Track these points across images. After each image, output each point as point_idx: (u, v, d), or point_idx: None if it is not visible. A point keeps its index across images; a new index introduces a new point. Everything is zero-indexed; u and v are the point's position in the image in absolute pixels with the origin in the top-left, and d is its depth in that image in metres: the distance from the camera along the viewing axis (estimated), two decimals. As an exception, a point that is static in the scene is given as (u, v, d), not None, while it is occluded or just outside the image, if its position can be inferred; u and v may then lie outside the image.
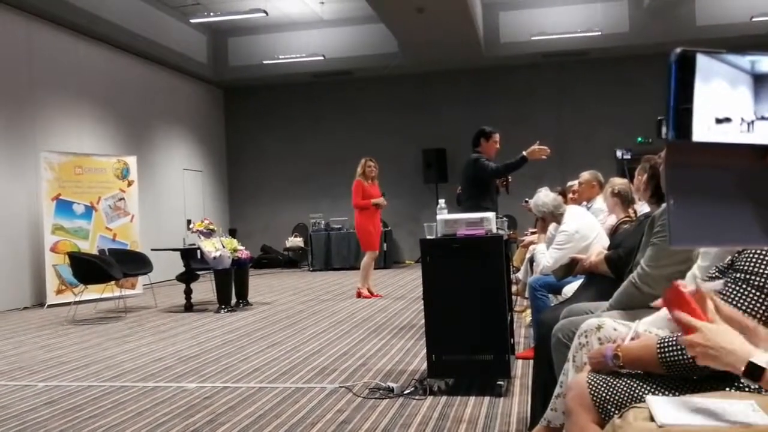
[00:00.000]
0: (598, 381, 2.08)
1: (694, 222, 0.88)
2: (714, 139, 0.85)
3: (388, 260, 15.29)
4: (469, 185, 6.54)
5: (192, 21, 14.51)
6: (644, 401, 1.86)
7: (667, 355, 1.98)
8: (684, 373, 1.97)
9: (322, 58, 15.58)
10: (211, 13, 14.27)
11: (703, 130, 0.85)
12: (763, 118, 0.87)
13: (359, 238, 10.04)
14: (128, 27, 12.80)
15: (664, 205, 2.98)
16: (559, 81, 16.01)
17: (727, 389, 1.92)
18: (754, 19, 13.53)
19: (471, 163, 6.52)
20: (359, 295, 9.88)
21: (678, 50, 0.85)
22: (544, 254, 5.38)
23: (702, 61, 0.85)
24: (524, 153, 6.42)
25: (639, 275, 2.96)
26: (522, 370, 4.97)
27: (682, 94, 0.85)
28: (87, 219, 11.05)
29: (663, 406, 1.77)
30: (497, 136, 6.64)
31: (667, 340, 2.01)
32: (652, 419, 1.72)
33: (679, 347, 1.96)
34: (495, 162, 6.59)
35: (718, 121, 0.86)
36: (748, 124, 0.86)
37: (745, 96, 0.86)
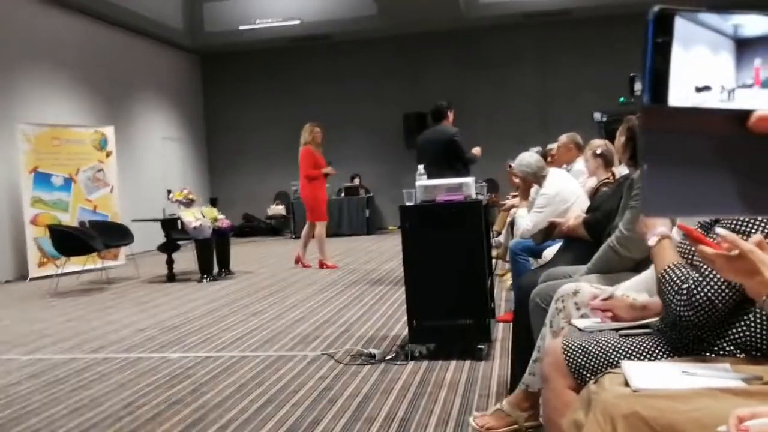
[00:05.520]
0: (573, 347, 2.09)
1: (669, 190, 0.85)
2: (692, 106, 0.82)
3: (370, 227, 15.28)
4: (445, 159, 6.87)
5: (166, -14, 14.26)
6: (619, 367, 1.87)
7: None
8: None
9: (298, 22, 15.37)
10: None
11: (681, 98, 0.83)
12: (744, 85, 0.84)
13: (310, 208, 9.48)
14: (101, -6, 12.57)
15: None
16: (541, 43, 15.87)
17: (706, 354, 1.92)
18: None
19: (449, 139, 6.99)
20: (322, 265, 9.55)
21: (656, 9, 0.81)
22: (524, 218, 5.38)
23: (682, 26, 0.81)
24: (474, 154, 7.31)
25: (617, 238, 2.97)
26: (503, 333, 5.01)
27: (659, 55, 0.81)
28: (66, 191, 10.95)
29: (638, 371, 1.78)
30: None
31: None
32: (627, 384, 1.73)
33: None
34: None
35: (698, 89, 0.83)
36: (729, 92, 0.83)
37: (726, 62, 0.83)
